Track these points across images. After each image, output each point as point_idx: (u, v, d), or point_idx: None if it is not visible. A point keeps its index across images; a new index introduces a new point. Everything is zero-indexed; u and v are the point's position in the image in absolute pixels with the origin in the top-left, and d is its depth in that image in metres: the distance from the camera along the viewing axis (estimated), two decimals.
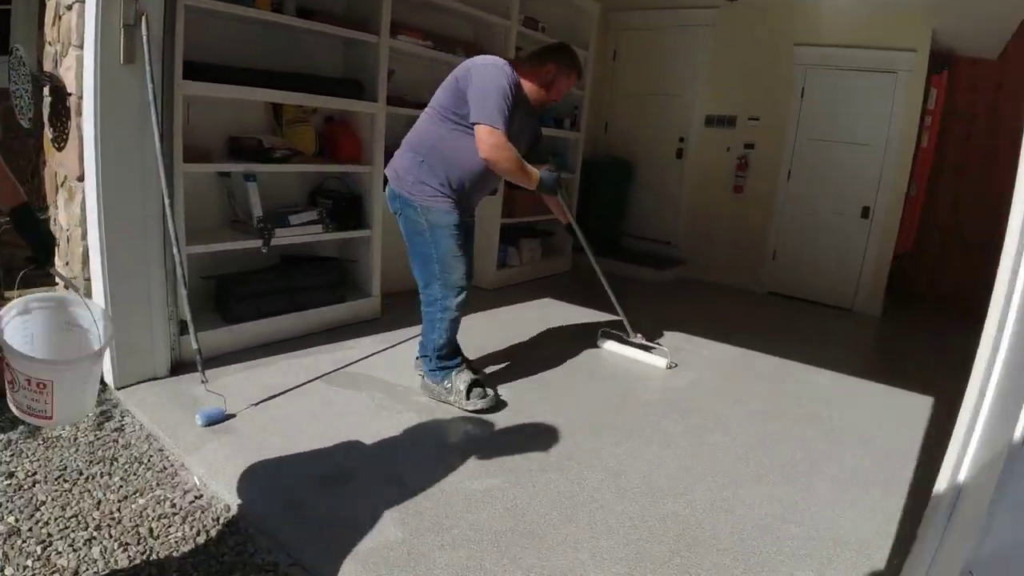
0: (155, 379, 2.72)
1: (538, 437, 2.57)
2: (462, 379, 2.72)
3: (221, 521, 1.92)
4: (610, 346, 3.68)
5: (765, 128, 5.61)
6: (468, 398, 2.69)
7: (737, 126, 5.74)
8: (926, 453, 2.75)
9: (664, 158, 6.14)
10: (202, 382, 2.48)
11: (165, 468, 2.17)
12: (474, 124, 2.46)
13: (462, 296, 2.69)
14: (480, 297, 4.42)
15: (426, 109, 2.69)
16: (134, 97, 2.39)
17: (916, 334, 4.90)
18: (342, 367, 3.07)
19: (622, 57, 6.33)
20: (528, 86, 2.68)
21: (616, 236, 6.34)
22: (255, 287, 3.19)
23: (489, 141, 2.44)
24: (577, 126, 5.58)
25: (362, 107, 3.46)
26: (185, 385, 2.68)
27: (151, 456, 2.25)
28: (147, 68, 2.27)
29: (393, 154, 2.76)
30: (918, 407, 3.30)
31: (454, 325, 2.74)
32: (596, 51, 5.47)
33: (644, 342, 3.58)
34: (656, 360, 3.50)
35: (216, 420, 2.40)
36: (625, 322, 3.60)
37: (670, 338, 3.98)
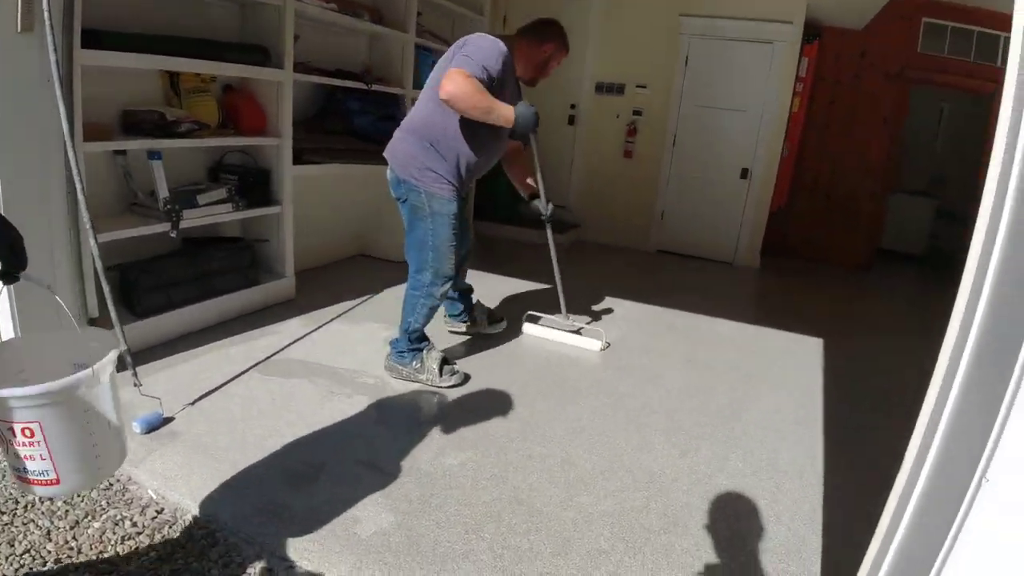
0: None
1: (495, 407, 2.59)
2: (433, 358, 2.73)
3: (194, 534, 1.79)
4: (536, 331, 3.44)
5: (652, 95, 5.86)
6: (441, 375, 2.71)
7: (626, 94, 5.96)
8: (829, 389, 3.10)
9: (557, 124, 6.25)
10: (135, 385, 2.25)
11: (111, 485, 1.97)
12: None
13: (448, 286, 2.70)
14: (383, 269, 4.31)
15: (425, 91, 2.59)
16: (31, 70, 2.08)
17: (792, 283, 5.43)
18: (272, 354, 2.90)
19: (512, 26, 6.30)
20: (521, 63, 2.65)
21: (514, 203, 6.39)
22: (164, 276, 2.92)
23: (455, 79, 2.27)
24: None
25: (268, 75, 3.22)
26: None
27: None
28: (48, 36, 1.97)
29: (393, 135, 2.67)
30: (812, 348, 3.68)
31: (432, 312, 2.76)
32: (490, 19, 5.41)
33: (577, 323, 3.49)
34: (588, 343, 3.33)
35: (155, 425, 2.20)
36: (562, 301, 3.45)
37: (580, 299, 4.13)
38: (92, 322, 2.53)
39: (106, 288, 2.23)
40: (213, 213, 3.08)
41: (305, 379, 2.69)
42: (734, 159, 5.71)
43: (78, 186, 2.11)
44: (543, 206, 3.18)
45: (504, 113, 2.38)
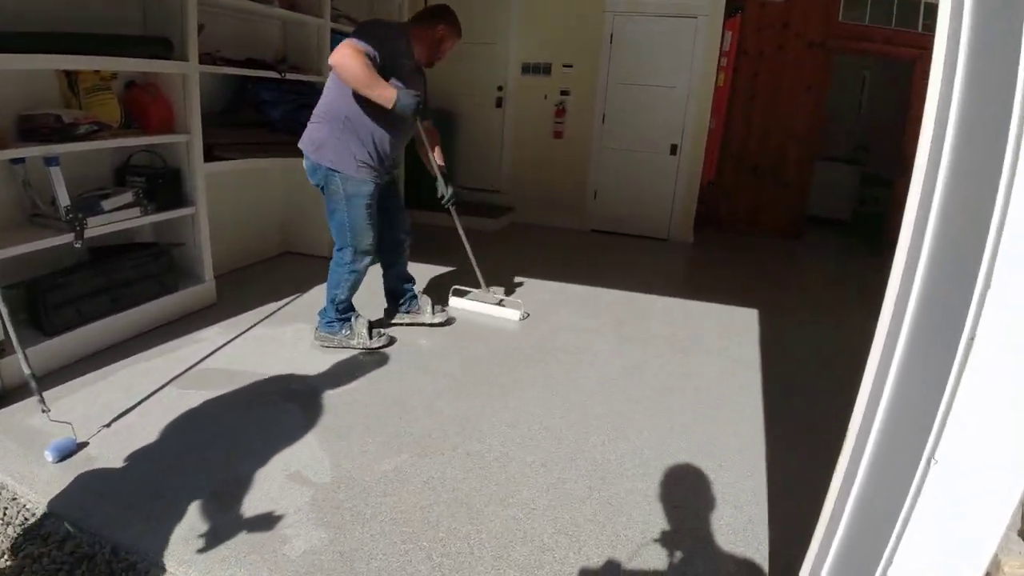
0: None
1: (428, 404, 2.54)
2: (361, 323, 2.99)
3: (114, 568, 1.68)
4: (461, 304, 3.64)
5: (579, 74, 5.84)
6: (371, 337, 2.97)
7: (553, 73, 5.91)
8: (767, 359, 3.18)
9: (485, 107, 6.17)
10: (43, 411, 2.09)
11: (27, 520, 1.83)
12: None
13: (368, 260, 2.92)
14: (310, 266, 4.18)
15: (331, 77, 2.70)
16: None
17: (726, 255, 5.54)
18: (192, 366, 2.76)
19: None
20: (418, 46, 2.81)
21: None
22: (71, 290, 2.73)
23: (342, 51, 2.46)
24: None
25: (171, 67, 3.02)
26: (19, 416, 2.25)
27: (5, 508, 1.87)
28: None
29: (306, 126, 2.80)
30: (747, 319, 3.76)
31: (357, 283, 2.97)
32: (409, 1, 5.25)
33: (498, 295, 3.67)
34: (509, 313, 3.53)
35: (69, 452, 2.05)
36: (479, 276, 3.62)
37: (512, 282, 4.11)
38: None
39: (1, 310, 2.06)
40: (120, 219, 2.89)
41: (227, 389, 2.57)
42: (663, 135, 5.75)
43: None
44: (441, 187, 3.19)
45: (384, 93, 2.55)
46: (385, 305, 3.35)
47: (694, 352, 3.22)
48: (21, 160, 2.54)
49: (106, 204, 2.81)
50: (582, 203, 6.11)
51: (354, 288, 2.96)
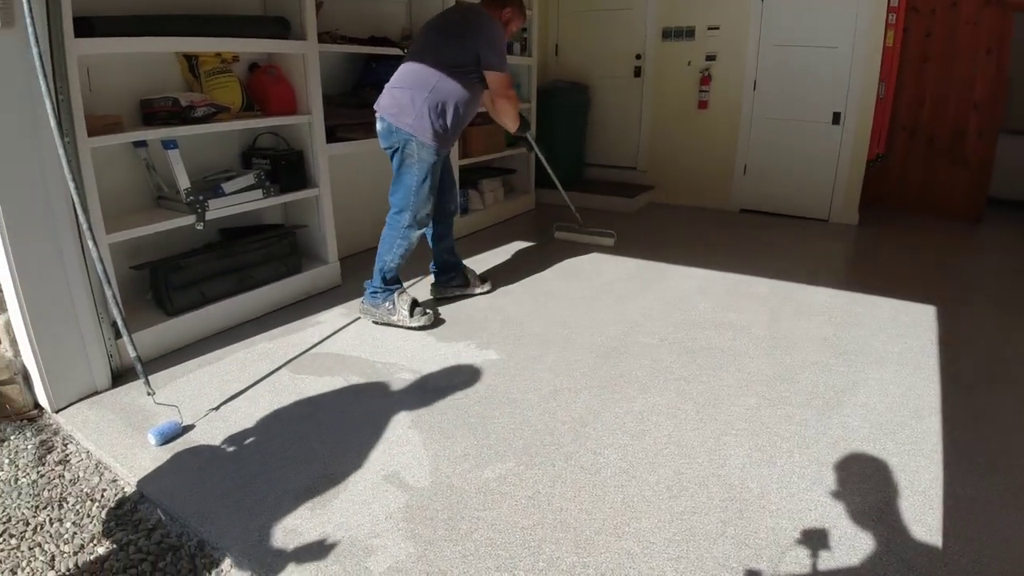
0: (96, 394, 2.32)
1: (542, 403, 2.29)
2: (404, 300, 2.90)
3: (197, 564, 1.60)
4: (563, 235, 4.22)
5: (727, 37, 5.26)
6: (411, 316, 2.87)
7: (696, 37, 5.37)
8: (947, 370, 2.59)
9: (621, 78, 5.76)
10: (148, 394, 2.09)
11: (122, 504, 1.81)
12: (491, 71, 2.76)
13: (421, 231, 2.90)
14: None
15: (412, 54, 2.80)
16: (16, 67, 1.91)
17: (896, 240, 4.76)
18: (308, 349, 2.71)
19: None
20: None
21: (578, 167, 5.99)
22: (195, 271, 2.77)
23: (507, 86, 2.85)
24: (528, 51, 5.12)
25: (290, 47, 2.97)
26: (132, 396, 2.29)
27: (104, 490, 1.88)
28: (30, 30, 1.79)
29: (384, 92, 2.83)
30: (922, 317, 3.14)
31: (406, 254, 2.90)
32: None
33: (593, 229, 4.16)
34: (603, 240, 4.17)
35: (172, 436, 2.04)
36: (574, 210, 4.18)
37: (650, 267, 3.74)
38: (116, 326, 2.40)
39: (110, 292, 2.06)
40: (242, 201, 2.89)
41: (339, 376, 2.48)
42: (824, 103, 5.03)
43: (71, 187, 1.93)
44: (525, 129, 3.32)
45: (520, 118, 3.15)
46: (431, 282, 3.33)
47: (859, 358, 2.70)
48: (143, 144, 2.58)
49: (227, 186, 2.81)
50: (729, 180, 5.54)
51: (403, 257, 2.90)
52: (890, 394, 2.41)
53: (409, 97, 2.70)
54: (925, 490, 1.85)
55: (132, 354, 2.05)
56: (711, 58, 5.38)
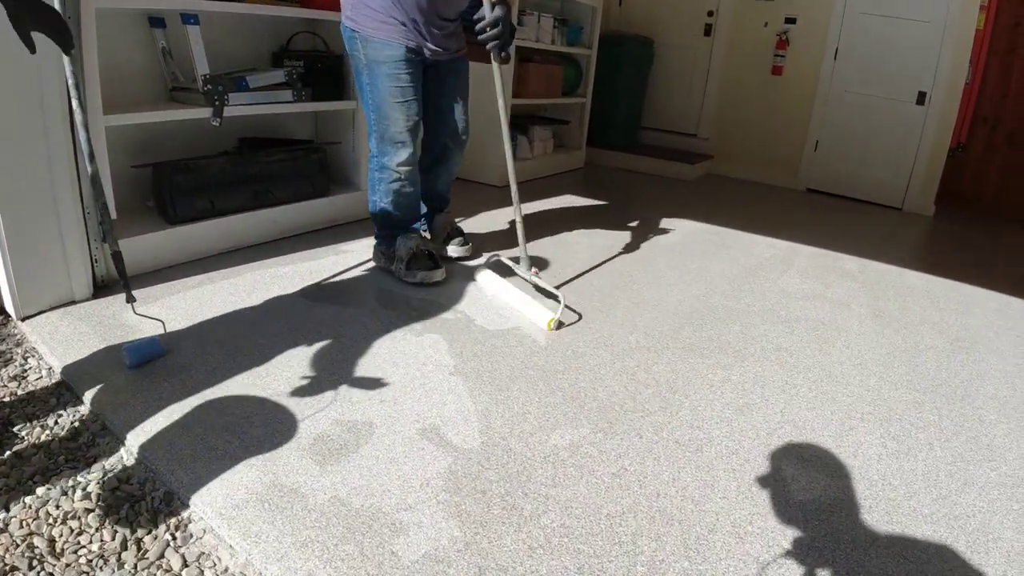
0: (73, 303, 1.90)
1: (617, 362, 1.84)
2: (406, 246, 2.26)
3: (161, 521, 1.17)
4: (487, 279, 2.34)
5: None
6: (408, 268, 2.25)
7: None
8: None
9: (690, 36, 5.24)
10: (128, 301, 1.65)
11: (77, 435, 1.39)
12: None
13: (404, 155, 2.15)
14: (489, 195, 3.62)
15: None
16: None
17: (980, 238, 4.22)
18: (329, 277, 2.28)
19: None
20: None
21: (634, 128, 5.50)
22: (205, 176, 2.33)
23: None
24: None
25: None
26: (114, 310, 1.87)
27: (60, 415, 1.46)
28: None
29: None
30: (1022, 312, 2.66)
31: (400, 195, 2.23)
32: None
33: (539, 282, 2.30)
34: (536, 314, 2.07)
35: (152, 356, 1.61)
36: (525, 253, 2.36)
37: (717, 234, 3.27)
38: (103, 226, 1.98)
39: (105, 182, 1.63)
40: (268, 100, 2.46)
41: (367, 309, 2.05)
42: (910, 80, 4.50)
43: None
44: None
45: None
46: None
47: (975, 347, 2.24)
48: (161, 24, 2.15)
49: (252, 80, 2.37)
50: (799, 156, 5.03)
51: (396, 200, 2.23)
52: (1019, 388, 1.96)
53: None
54: None
55: (112, 249, 1.60)
56: (791, 20, 4.87)
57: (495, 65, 2.23)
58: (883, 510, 1.33)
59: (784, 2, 4.86)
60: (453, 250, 2.55)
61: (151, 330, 1.69)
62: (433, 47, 2.13)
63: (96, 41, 1.86)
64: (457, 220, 2.78)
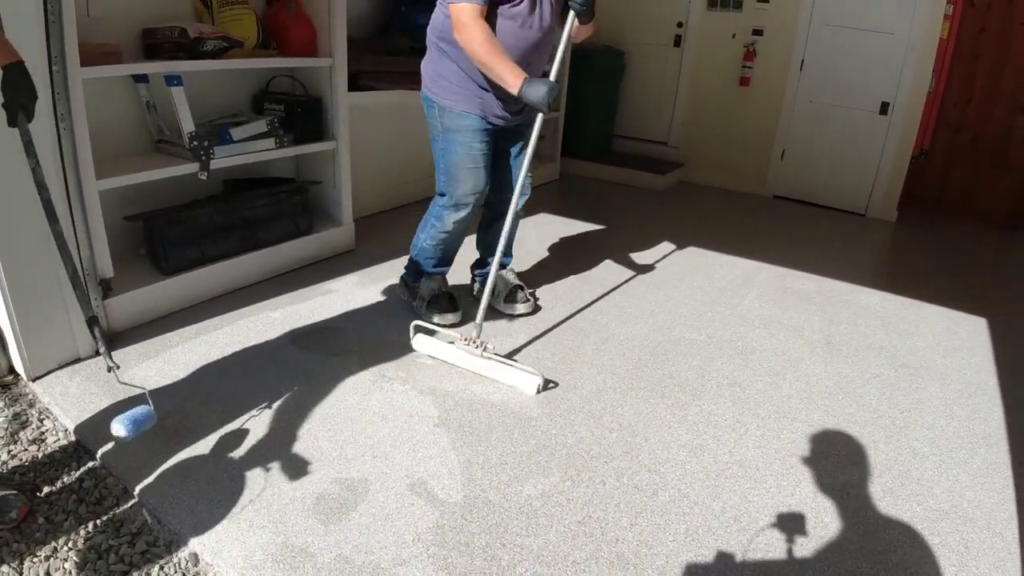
0: (78, 361, 2.04)
1: (585, 406, 2.02)
2: (428, 287, 2.49)
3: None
4: (424, 344, 2.28)
5: (777, 11, 4.88)
6: (427, 309, 2.46)
7: (744, 9, 4.99)
8: (1007, 389, 2.35)
9: (659, 46, 5.39)
10: (108, 370, 1.62)
11: (102, 500, 1.55)
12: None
13: (464, 214, 2.34)
14: None
15: None
16: None
17: (937, 243, 4.46)
18: (319, 321, 2.43)
19: None
20: None
21: (607, 138, 5.66)
22: (195, 225, 2.47)
23: (458, 14, 1.97)
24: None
25: None
26: (119, 362, 2.01)
27: (83, 480, 1.61)
28: None
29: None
30: (974, 330, 2.87)
31: (443, 242, 2.44)
32: None
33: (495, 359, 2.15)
34: (520, 381, 2.10)
35: (145, 422, 1.72)
36: (476, 331, 2.21)
37: (683, 255, 3.45)
38: (105, 283, 2.11)
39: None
40: (252, 150, 2.58)
41: (355, 357, 2.20)
42: (874, 90, 4.69)
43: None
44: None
45: (512, 79, 1.99)
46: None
47: (919, 372, 2.44)
48: (144, 80, 2.26)
49: (235, 133, 2.50)
50: (766, 164, 5.22)
51: (438, 245, 2.43)
52: (956, 416, 2.16)
53: (429, 53, 2.25)
54: (1002, 531, 1.62)
55: (91, 310, 1.67)
56: (758, 32, 5.02)
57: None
58: (813, 547, 1.52)
59: (752, 14, 5.01)
60: (520, 308, 2.58)
61: (137, 398, 1.83)
62: (503, 115, 2.24)
63: (85, 108, 1.95)
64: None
